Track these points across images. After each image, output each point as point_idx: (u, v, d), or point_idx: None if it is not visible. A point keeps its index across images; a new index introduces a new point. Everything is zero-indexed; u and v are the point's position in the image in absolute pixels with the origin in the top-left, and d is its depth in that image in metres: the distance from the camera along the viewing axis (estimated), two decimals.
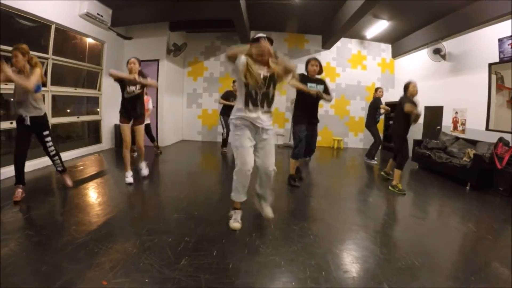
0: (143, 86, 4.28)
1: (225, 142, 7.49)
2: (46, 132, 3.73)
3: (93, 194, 3.86)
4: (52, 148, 3.83)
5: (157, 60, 7.80)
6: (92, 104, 6.99)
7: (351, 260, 2.46)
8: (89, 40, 6.59)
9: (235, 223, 2.93)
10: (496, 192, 4.78)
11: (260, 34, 2.81)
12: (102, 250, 2.34)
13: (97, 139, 7.13)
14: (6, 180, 4.10)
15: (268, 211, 3.09)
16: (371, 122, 6.96)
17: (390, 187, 4.64)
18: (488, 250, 2.84)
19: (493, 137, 5.19)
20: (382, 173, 5.49)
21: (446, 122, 7.02)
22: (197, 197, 3.93)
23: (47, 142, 3.76)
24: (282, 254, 2.47)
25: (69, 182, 4.04)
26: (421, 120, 7.88)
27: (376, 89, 7.01)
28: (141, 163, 4.77)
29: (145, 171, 4.75)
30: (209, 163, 6.92)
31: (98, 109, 7.05)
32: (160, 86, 7.67)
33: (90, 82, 6.82)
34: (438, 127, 7.25)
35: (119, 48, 7.57)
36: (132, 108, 4.26)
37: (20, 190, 3.42)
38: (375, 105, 6.90)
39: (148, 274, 2.05)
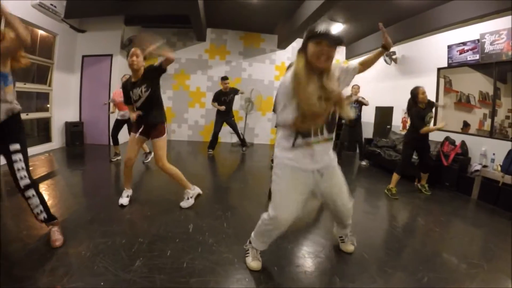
0: (153, 84, 3.34)
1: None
2: (16, 146, 2.31)
3: (43, 196, 3.73)
4: (25, 174, 2.32)
5: (111, 55, 7.58)
6: (42, 100, 6.67)
7: (302, 255, 2.62)
8: (41, 32, 6.27)
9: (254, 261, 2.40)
10: (443, 187, 5.20)
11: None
12: (55, 255, 2.31)
13: (47, 138, 6.81)
14: None
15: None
16: None
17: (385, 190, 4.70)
18: (436, 241, 3.12)
19: (440, 137, 5.59)
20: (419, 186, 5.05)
21: (396, 122, 7.48)
22: (150, 197, 3.94)
23: (15, 162, 2.29)
24: (235, 251, 2.57)
25: (57, 239, 2.48)
26: (371, 119, 8.34)
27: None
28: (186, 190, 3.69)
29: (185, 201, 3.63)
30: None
31: (48, 106, 6.76)
32: (113, 82, 7.48)
33: (40, 77, 6.51)
34: (388, 127, 7.69)
35: (72, 41, 7.25)
36: (145, 111, 3.30)
37: None
38: None
39: (103, 277, 2.06)
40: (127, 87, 3.31)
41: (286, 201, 2.10)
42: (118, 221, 3.09)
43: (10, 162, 2.28)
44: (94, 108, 7.56)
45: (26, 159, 2.36)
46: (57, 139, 6.98)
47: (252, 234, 2.39)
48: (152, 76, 3.28)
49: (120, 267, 2.20)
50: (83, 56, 7.50)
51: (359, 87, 7.03)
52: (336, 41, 1.82)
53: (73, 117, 7.46)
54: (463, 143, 5.26)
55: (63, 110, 7.08)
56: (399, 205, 4.30)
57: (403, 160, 4.69)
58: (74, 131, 7.22)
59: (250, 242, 2.42)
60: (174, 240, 2.71)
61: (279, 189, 2.12)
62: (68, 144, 7.14)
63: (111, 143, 6.11)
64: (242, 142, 7.74)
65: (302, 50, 1.93)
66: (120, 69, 7.56)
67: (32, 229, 2.73)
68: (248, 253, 2.40)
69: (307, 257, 2.59)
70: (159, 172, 5.43)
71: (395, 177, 4.60)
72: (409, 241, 3.17)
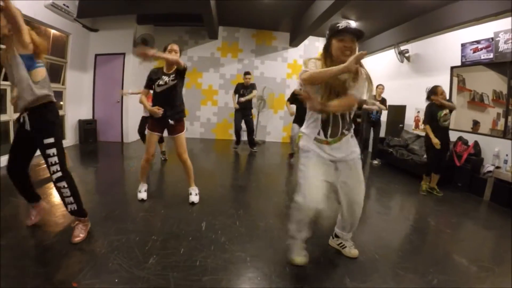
0: (178, 74, 3.47)
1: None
2: (50, 140, 2.42)
3: (57, 193, 3.78)
4: (57, 168, 2.44)
5: (123, 54, 7.66)
6: (56, 98, 6.68)
7: (313, 255, 2.58)
8: (53, 32, 6.37)
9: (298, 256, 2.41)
10: (455, 187, 5.14)
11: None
12: (70, 252, 2.36)
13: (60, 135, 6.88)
14: None
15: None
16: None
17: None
18: (446, 243, 3.11)
19: (453, 136, 5.51)
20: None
21: (409, 120, 7.41)
22: (163, 194, 4.00)
23: (49, 156, 2.41)
24: (247, 250, 2.59)
25: (77, 235, 2.54)
26: (384, 118, 8.23)
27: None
28: (191, 187, 3.75)
29: (195, 197, 3.70)
30: (173, 159, 6.90)
31: (62, 104, 6.86)
32: (126, 80, 7.58)
33: (53, 76, 6.61)
34: (400, 125, 7.61)
35: (85, 41, 7.35)
36: (166, 105, 3.44)
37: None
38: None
39: (117, 274, 2.10)
40: (157, 73, 3.51)
41: (312, 188, 2.15)
42: (132, 218, 3.14)
43: (44, 156, 2.43)
44: (107, 106, 7.67)
45: (60, 153, 2.49)
46: (71, 137, 7.11)
47: (289, 226, 2.41)
48: (182, 74, 3.50)
49: (134, 265, 2.23)
50: (96, 55, 7.60)
51: (383, 87, 6.91)
52: (359, 34, 1.99)
53: (87, 115, 7.58)
54: (476, 144, 5.20)
55: (76, 108, 7.19)
56: (411, 206, 4.28)
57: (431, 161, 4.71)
58: (87, 128, 7.34)
59: (291, 237, 2.42)
60: (187, 238, 2.74)
61: (305, 176, 2.20)
62: (81, 141, 7.25)
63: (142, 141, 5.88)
64: (252, 142, 7.63)
65: (326, 48, 2.09)
66: (132, 67, 7.66)
67: (47, 226, 2.79)
68: (291, 249, 2.41)
69: (318, 257, 2.60)
70: (172, 170, 5.56)
71: (434, 177, 4.72)
72: (420, 242, 3.15)
